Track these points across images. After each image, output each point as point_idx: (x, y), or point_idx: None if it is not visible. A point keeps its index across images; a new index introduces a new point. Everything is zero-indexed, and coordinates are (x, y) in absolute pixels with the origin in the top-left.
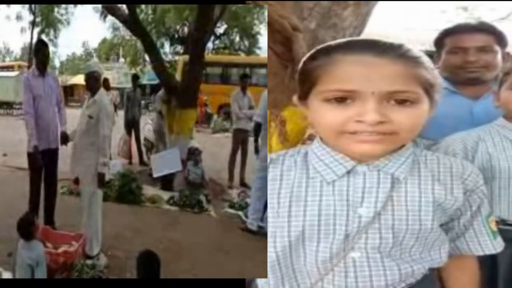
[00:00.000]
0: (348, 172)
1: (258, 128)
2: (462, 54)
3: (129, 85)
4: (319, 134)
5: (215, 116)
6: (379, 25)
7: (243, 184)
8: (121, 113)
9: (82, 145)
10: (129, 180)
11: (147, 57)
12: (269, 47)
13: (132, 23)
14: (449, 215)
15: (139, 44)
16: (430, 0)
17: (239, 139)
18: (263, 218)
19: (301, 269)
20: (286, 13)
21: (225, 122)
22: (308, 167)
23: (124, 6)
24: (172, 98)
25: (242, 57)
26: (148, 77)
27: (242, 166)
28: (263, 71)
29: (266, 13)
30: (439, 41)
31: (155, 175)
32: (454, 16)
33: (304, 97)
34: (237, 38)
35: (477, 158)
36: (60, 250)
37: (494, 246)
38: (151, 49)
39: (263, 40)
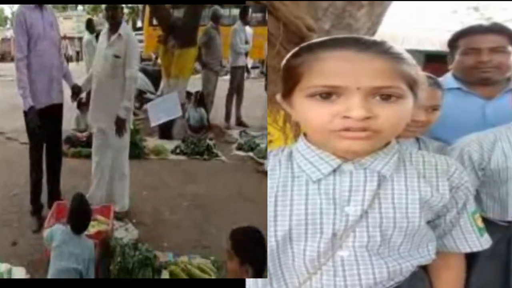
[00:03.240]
0: (334, 171)
1: None
2: (475, 55)
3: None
4: (306, 131)
5: None
6: (390, 25)
7: (240, 123)
8: (82, 64)
9: (107, 91)
10: (132, 132)
11: None
12: (282, 48)
13: None
14: (435, 212)
15: None
16: (441, 0)
17: (238, 77)
18: None
19: (289, 269)
20: (301, 13)
21: None
22: (293, 166)
23: None
24: (169, 37)
25: None
26: None
27: (237, 105)
28: None
29: None
30: (453, 43)
31: (152, 124)
32: (465, 16)
33: (287, 94)
34: None
35: (493, 159)
36: (92, 231)
37: (481, 243)
38: None
39: None
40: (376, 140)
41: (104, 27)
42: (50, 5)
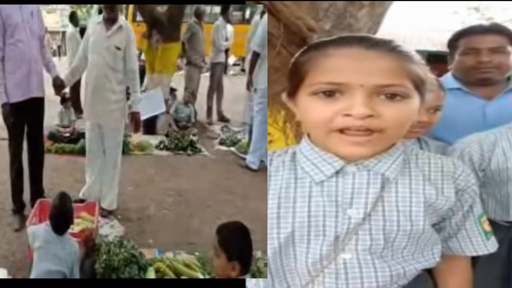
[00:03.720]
0: (337, 172)
1: (255, 58)
2: (475, 55)
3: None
4: (308, 131)
5: None
6: (391, 26)
7: (222, 118)
8: (64, 59)
9: (106, 84)
10: None
11: None
12: (283, 48)
13: None
14: (440, 215)
15: None
16: (442, 0)
17: (218, 73)
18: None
19: (291, 271)
20: (301, 14)
21: None
22: (296, 168)
23: None
24: (153, 32)
25: None
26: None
27: (218, 101)
28: None
29: None
30: (452, 43)
31: None
32: (466, 16)
33: (293, 92)
34: None
35: (493, 160)
36: (76, 229)
37: (487, 246)
38: None
39: None
40: (378, 142)
41: (94, 19)
42: None
